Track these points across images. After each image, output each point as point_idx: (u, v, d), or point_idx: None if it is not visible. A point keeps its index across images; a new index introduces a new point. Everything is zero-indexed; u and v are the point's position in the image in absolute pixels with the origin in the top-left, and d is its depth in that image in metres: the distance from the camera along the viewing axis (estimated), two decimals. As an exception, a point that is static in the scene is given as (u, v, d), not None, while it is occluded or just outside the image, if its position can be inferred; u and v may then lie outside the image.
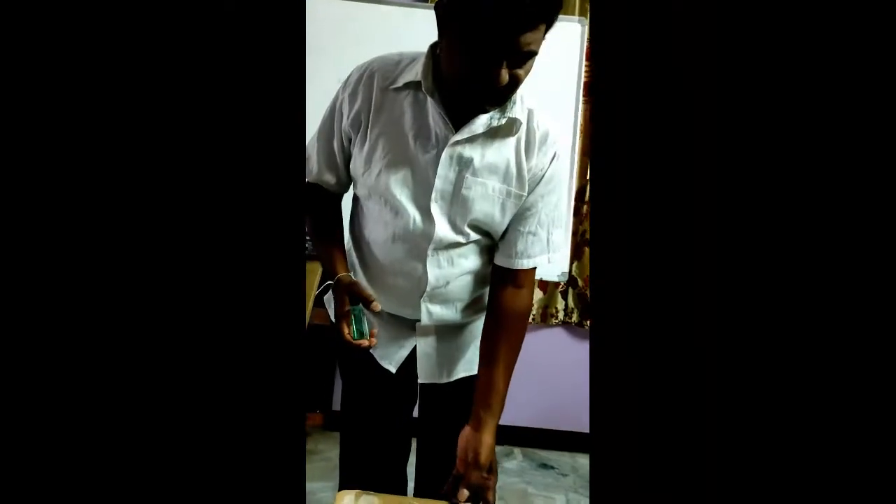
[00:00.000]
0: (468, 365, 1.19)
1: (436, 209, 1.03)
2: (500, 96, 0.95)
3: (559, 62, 2.08)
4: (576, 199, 2.36)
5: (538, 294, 2.51)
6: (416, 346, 1.17)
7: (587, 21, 2.14)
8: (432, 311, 1.12)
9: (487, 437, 1.05)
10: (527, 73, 0.93)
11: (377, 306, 1.01)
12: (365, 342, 1.01)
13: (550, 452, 2.57)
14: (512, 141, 1.03)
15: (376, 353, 1.17)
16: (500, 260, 1.10)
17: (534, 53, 0.90)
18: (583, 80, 2.13)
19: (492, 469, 1.05)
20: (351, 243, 1.18)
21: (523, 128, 1.03)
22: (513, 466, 2.47)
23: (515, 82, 0.92)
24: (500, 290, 1.11)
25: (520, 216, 1.07)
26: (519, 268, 1.09)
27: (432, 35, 0.98)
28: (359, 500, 0.94)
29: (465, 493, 1.02)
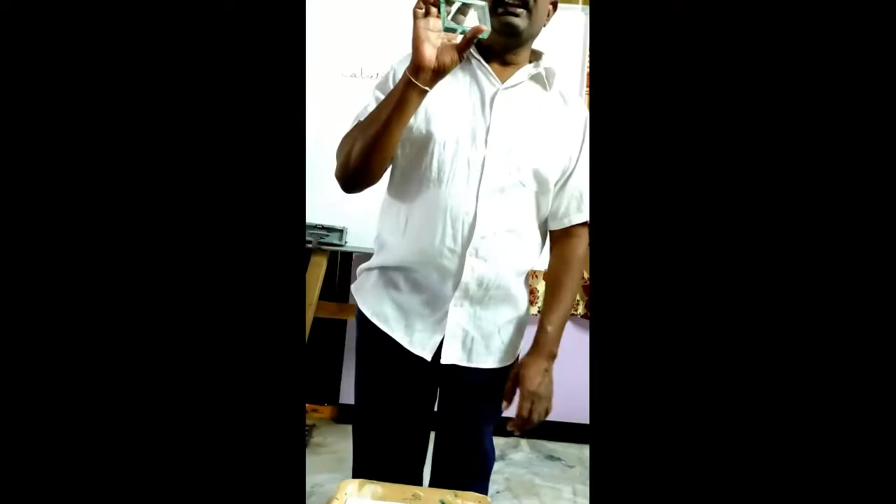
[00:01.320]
0: (490, 357, 1.20)
1: (490, 152, 1.12)
2: None
3: (562, 51, 2.06)
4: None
5: (543, 285, 2.51)
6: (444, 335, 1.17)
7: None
8: (475, 268, 1.14)
9: (528, 370, 1.20)
10: None
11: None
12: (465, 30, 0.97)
13: (557, 444, 2.58)
14: (551, 94, 1.18)
15: (406, 343, 1.17)
16: (567, 220, 1.21)
17: None
18: (586, 69, 2.12)
19: (529, 396, 1.17)
20: (394, 197, 1.19)
21: (556, 85, 1.18)
22: (520, 458, 2.48)
23: None
24: (561, 240, 1.24)
25: (580, 173, 1.19)
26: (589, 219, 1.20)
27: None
28: (362, 489, 0.95)
29: (505, 403, 1.20)
